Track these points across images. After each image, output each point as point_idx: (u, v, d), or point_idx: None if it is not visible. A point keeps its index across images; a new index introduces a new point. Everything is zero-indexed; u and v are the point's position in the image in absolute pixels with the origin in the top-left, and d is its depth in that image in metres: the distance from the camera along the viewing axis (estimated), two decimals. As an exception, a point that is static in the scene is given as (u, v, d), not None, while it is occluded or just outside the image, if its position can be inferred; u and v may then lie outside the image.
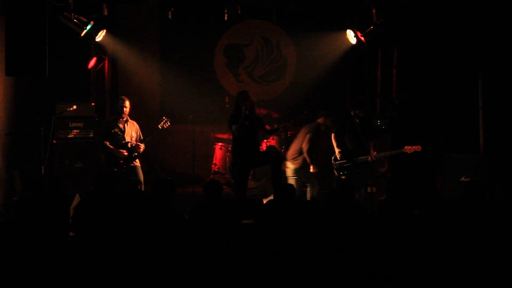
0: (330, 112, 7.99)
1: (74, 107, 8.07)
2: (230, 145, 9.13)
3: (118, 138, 7.47)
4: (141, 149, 7.47)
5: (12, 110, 8.01)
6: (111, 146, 7.41)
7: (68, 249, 4.41)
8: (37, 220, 4.47)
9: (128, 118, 7.56)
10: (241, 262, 4.37)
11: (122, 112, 7.45)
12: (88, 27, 8.00)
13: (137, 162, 7.55)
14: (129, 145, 7.45)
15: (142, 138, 7.58)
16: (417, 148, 7.08)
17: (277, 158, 7.07)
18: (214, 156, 9.33)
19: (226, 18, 8.99)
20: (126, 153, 7.41)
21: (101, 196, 5.39)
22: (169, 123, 7.66)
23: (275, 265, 4.33)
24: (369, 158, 7.20)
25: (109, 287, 4.28)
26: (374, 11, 8.19)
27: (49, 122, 7.72)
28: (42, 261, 4.29)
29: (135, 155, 7.45)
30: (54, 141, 7.93)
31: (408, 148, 7.10)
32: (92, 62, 9.09)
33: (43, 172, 7.27)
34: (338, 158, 7.36)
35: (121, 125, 7.51)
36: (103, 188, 5.42)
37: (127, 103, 7.49)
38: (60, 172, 7.96)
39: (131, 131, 7.54)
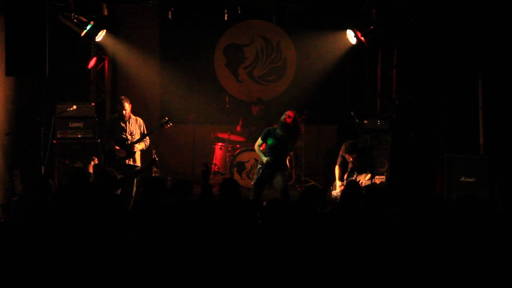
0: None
1: (74, 107, 8.08)
2: (230, 145, 9.17)
3: (119, 137, 7.48)
4: (135, 149, 7.46)
5: (12, 110, 8.02)
6: (115, 145, 7.41)
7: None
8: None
9: (131, 115, 7.56)
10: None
11: (123, 115, 7.46)
12: (88, 27, 7.99)
13: (138, 162, 7.55)
14: (128, 142, 7.46)
15: (145, 133, 7.57)
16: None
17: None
18: (214, 156, 9.32)
19: (226, 18, 9.01)
20: (125, 153, 7.44)
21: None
22: (171, 124, 7.65)
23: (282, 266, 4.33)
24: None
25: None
26: (374, 11, 8.20)
27: (49, 122, 7.71)
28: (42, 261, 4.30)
29: (131, 153, 7.46)
30: (54, 141, 7.93)
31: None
32: (92, 62, 9.08)
33: (43, 172, 7.26)
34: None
35: (122, 124, 7.52)
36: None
37: (127, 106, 7.47)
38: (60, 172, 7.97)
39: (133, 128, 7.53)
